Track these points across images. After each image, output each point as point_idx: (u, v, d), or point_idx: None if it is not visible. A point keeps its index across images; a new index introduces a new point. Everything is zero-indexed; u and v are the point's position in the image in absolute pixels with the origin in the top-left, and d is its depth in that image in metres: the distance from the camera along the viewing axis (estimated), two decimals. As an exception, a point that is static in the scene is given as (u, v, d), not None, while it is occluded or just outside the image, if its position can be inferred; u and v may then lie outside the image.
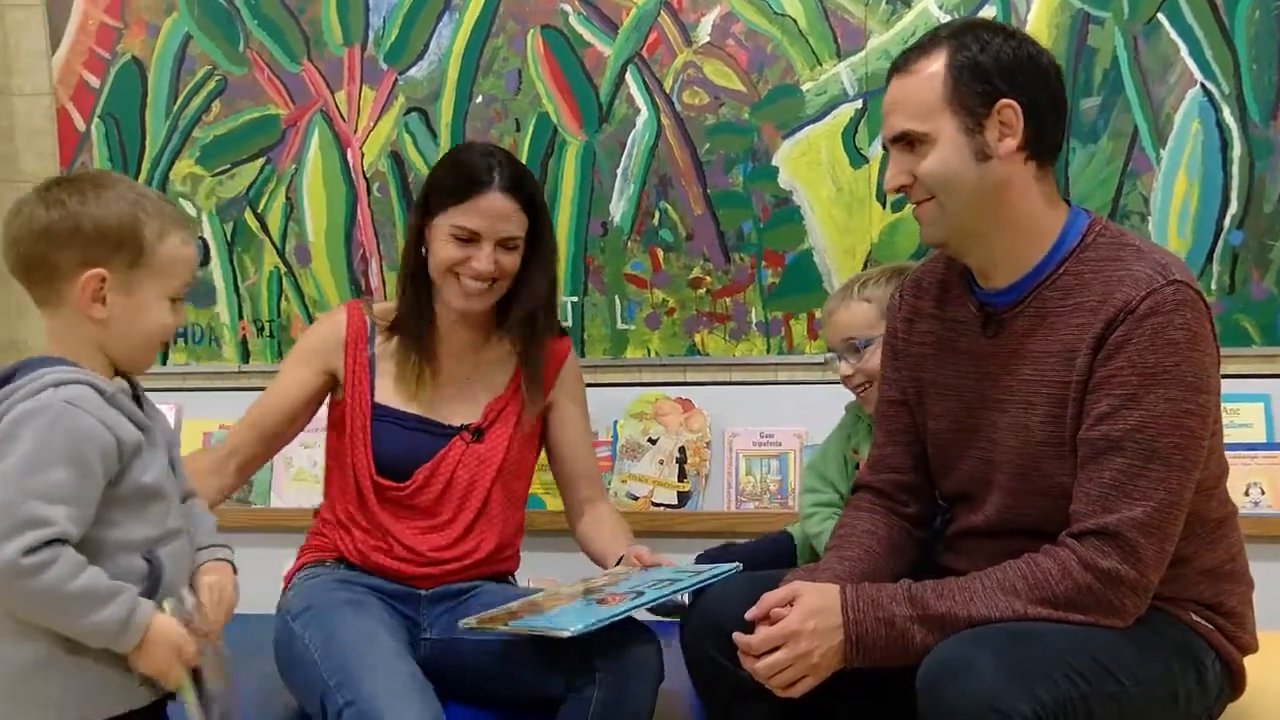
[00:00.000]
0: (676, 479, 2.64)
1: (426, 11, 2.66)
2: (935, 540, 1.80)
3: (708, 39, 2.58)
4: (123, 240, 1.44)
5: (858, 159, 2.55)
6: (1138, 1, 2.44)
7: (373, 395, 2.04)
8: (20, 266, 1.46)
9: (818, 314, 2.60)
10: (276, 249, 2.77)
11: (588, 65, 2.62)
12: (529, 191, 2.01)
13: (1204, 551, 1.58)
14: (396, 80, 2.69)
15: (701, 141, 2.60)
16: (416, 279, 2.02)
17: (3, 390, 1.43)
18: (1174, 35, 2.43)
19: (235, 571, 1.62)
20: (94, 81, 2.79)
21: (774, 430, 2.61)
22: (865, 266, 2.55)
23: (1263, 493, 2.41)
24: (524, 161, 2.62)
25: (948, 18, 2.48)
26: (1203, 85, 2.43)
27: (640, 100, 2.61)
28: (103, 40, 2.78)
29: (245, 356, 2.80)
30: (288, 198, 2.75)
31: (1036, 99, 1.56)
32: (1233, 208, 2.45)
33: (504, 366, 2.09)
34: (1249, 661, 1.62)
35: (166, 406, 2.41)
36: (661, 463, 2.64)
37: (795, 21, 2.55)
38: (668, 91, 2.60)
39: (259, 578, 2.04)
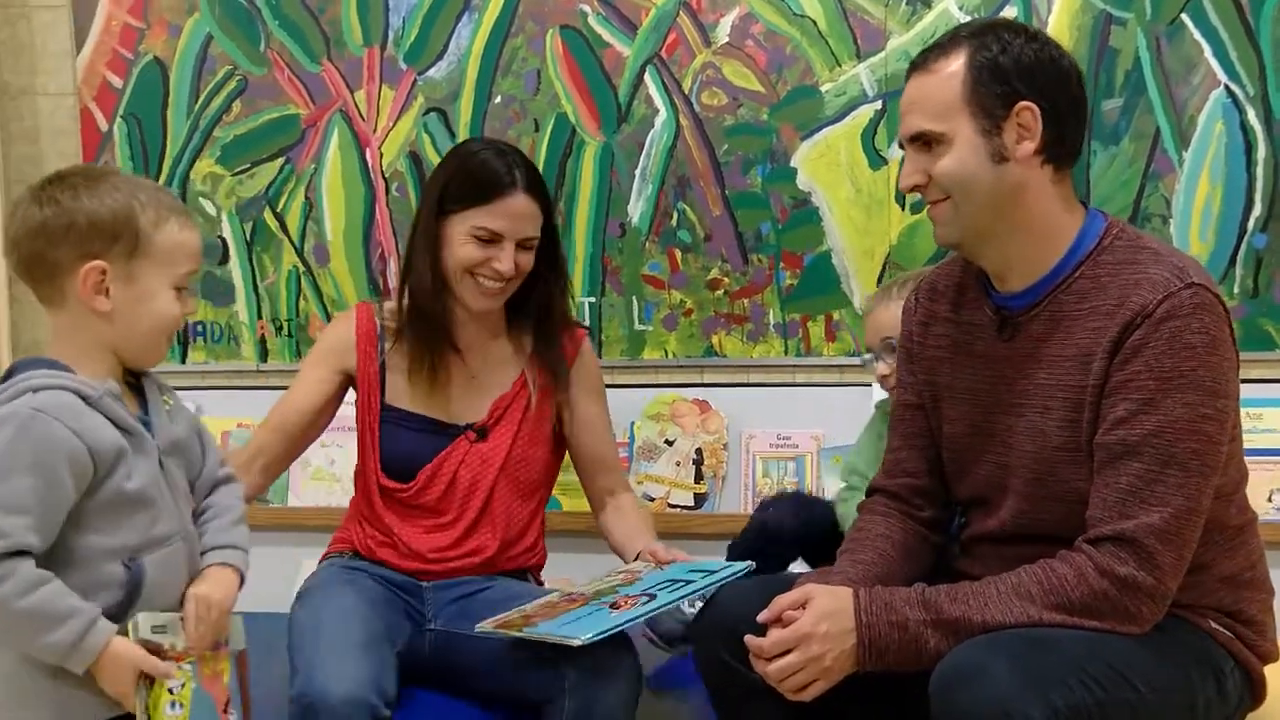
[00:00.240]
0: (693, 480, 2.63)
1: (446, 12, 2.67)
2: (951, 545, 1.79)
3: (727, 40, 2.57)
4: (118, 230, 1.44)
5: (877, 160, 2.53)
6: (1161, 2, 2.41)
7: (383, 396, 2.05)
8: (22, 266, 1.47)
9: (836, 316, 2.59)
10: (295, 248, 2.78)
11: (606, 66, 2.62)
12: (544, 190, 2.03)
13: (1223, 558, 1.56)
14: (416, 80, 2.70)
15: (720, 142, 2.60)
16: (433, 279, 2.01)
17: None
18: (1198, 36, 2.41)
19: (242, 576, 1.58)
20: (117, 82, 2.81)
21: (791, 432, 2.60)
22: (884, 268, 2.55)
23: (1287, 499, 2.39)
24: (542, 162, 2.65)
25: (968, 18, 2.46)
26: (1227, 87, 2.41)
27: (659, 101, 2.61)
28: (126, 41, 2.80)
29: (264, 355, 2.81)
30: (307, 197, 2.76)
31: (1056, 102, 1.54)
32: (1256, 210, 2.42)
33: (511, 364, 2.09)
34: (1269, 670, 1.60)
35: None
36: (678, 464, 2.64)
37: (815, 22, 2.54)
38: (686, 92, 2.59)
39: (275, 577, 2.06)
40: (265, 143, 2.77)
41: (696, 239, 2.62)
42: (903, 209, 2.53)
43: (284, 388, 2.14)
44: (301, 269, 2.78)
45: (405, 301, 2.05)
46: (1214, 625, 1.55)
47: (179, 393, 1.66)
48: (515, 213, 1.97)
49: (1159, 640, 1.47)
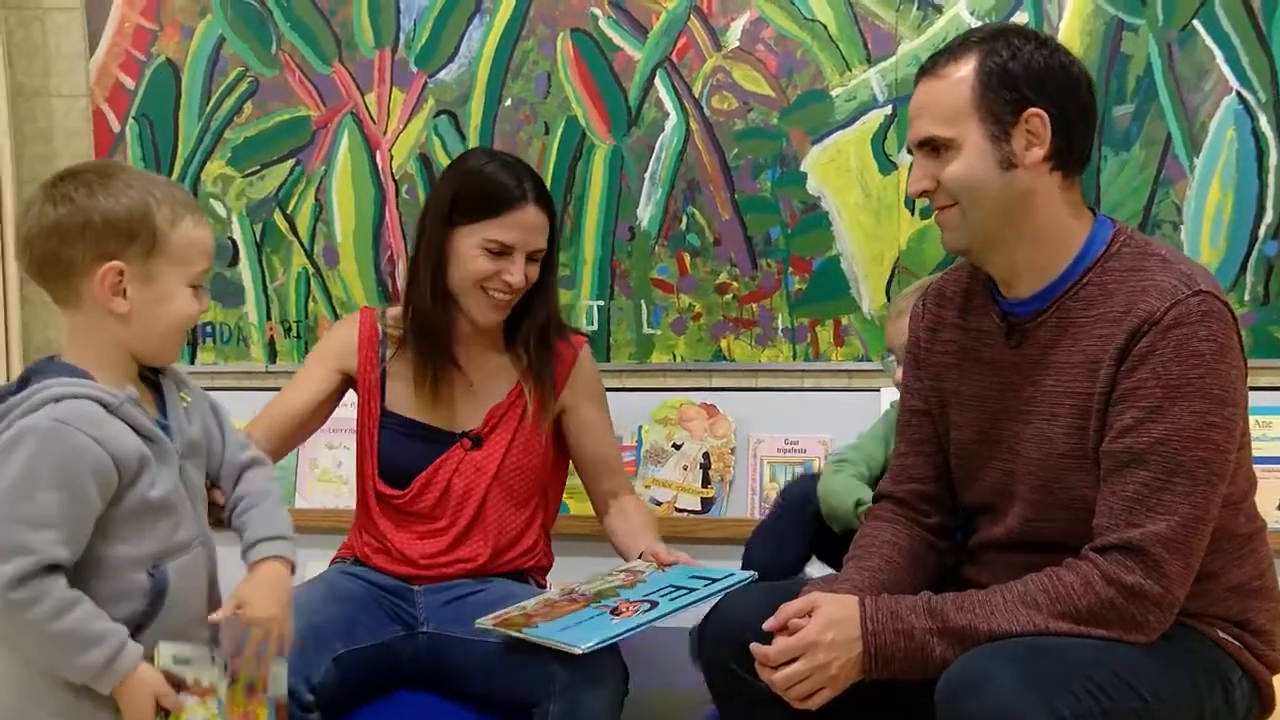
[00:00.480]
0: (700, 485, 2.63)
1: (457, 14, 2.67)
2: (958, 552, 1.78)
3: (737, 44, 2.57)
4: (135, 230, 1.41)
5: (887, 165, 2.53)
6: (1173, 8, 2.41)
7: (383, 403, 2.06)
8: (35, 266, 1.43)
9: (844, 321, 2.59)
10: (305, 250, 2.79)
11: (617, 69, 2.62)
12: (552, 202, 2.04)
13: (1231, 567, 1.55)
14: (426, 83, 2.70)
15: (730, 146, 2.60)
16: (436, 292, 2.00)
17: (9, 401, 1.40)
18: (1210, 42, 2.40)
19: (293, 566, 1.55)
20: (129, 83, 2.82)
21: (799, 437, 2.59)
22: (893, 274, 2.54)
23: (1296, 507, 2.37)
24: (552, 165, 2.65)
25: (980, 24, 2.46)
26: (1238, 93, 2.40)
27: (669, 104, 2.61)
28: (138, 42, 2.81)
29: (272, 357, 2.82)
30: (317, 199, 2.77)
31: (1066, 109, 1.53)
32: (1268, 217, 2.41)
33: (507, 373, 2.09)
34: (1278, 680, 1.59)
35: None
36: (685, 468, 2.64)
37: (825, 27, 2.53)
38: (697, 96, 2.59)
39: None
40: (276, 144, 2.77)
41: (706, 243, 2.62)
42: (912, 214, 2.52)
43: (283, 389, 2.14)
44: (311, 271, 2.79)
45: (409, 313, 2.04)
46: (1222, 634, 1.54)
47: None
48: (527, 225, 1.98)
49: (1166, 649, 1.46)
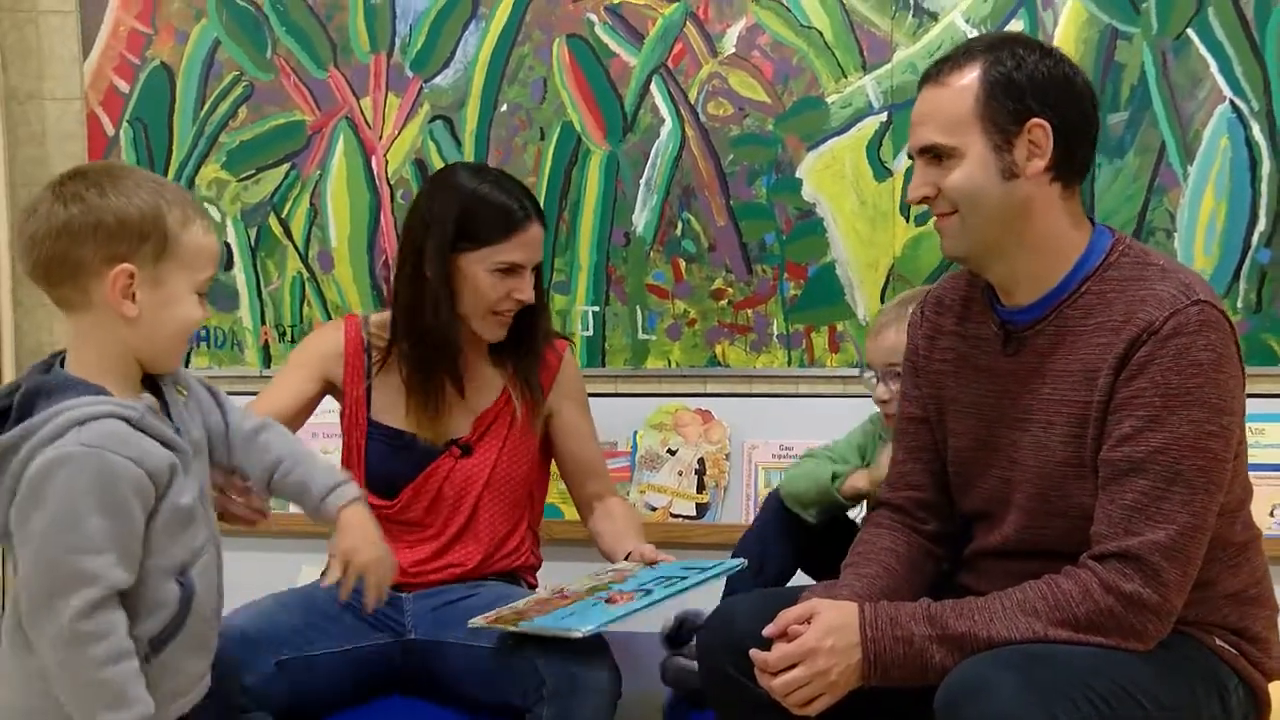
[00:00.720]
0: (695, 490, 2.63)
1: (453, 20, 2.67)
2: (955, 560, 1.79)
3: (733, 50, 2.58)
4: (147, 231, 1.38)
5: (882, 172, 2.54)
6: (1167, 17, 2.42)
7: (369, 413, 2.06)
8: (40, 268, 1.39)
9: (839, 327, 2.59)
10: (300, 254, 2.78)
11: (613, 75, 2.63)
12: (543, 212, 2.05)
13: (1228, 575, 1.56)
14: (422, 88, 2.70)
15: (725, 152, 2.60)
16: (452, 318, 1.99)
17: (24, 426, 1.36)
18: (1203, 51, 2.42)
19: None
20: (124, 87, 2.81)
21: (794, 443, 2.60)
22: (888, 280, 2.55)
23: (1288, 514, 2.39)
24: (548, 170, 2.66)
25: (974, 31, 2.47)
26: (1232, 102, 2.42)
27: (665, 110, 2.61)
28: (133, 46, 2.80)
29: (267, 361, 2.81)
30: (312, 204, 2.77)
31: (1068, 120, 1.54)
32: (1261, 225, 2.43)
33: (494, 380, 2.09)
34: (1274, 687, 1.60)
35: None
36: (680, 474, 2.64)
37: (821, 34, 2.54)
38: (692, 102, 2.60)
39: (274, 585, 2.06)
40: (271, 149, 2.77)
41: (701, 249, 2.63)
42: (907, 221, 2.53)
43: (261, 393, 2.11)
44: (306, 275, 2.78)
45: (409, 339, 2.01)
46: (1219, 642, 1.55)
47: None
48: (532, 242, 2.00)
49: (1164, 657, 1.47)
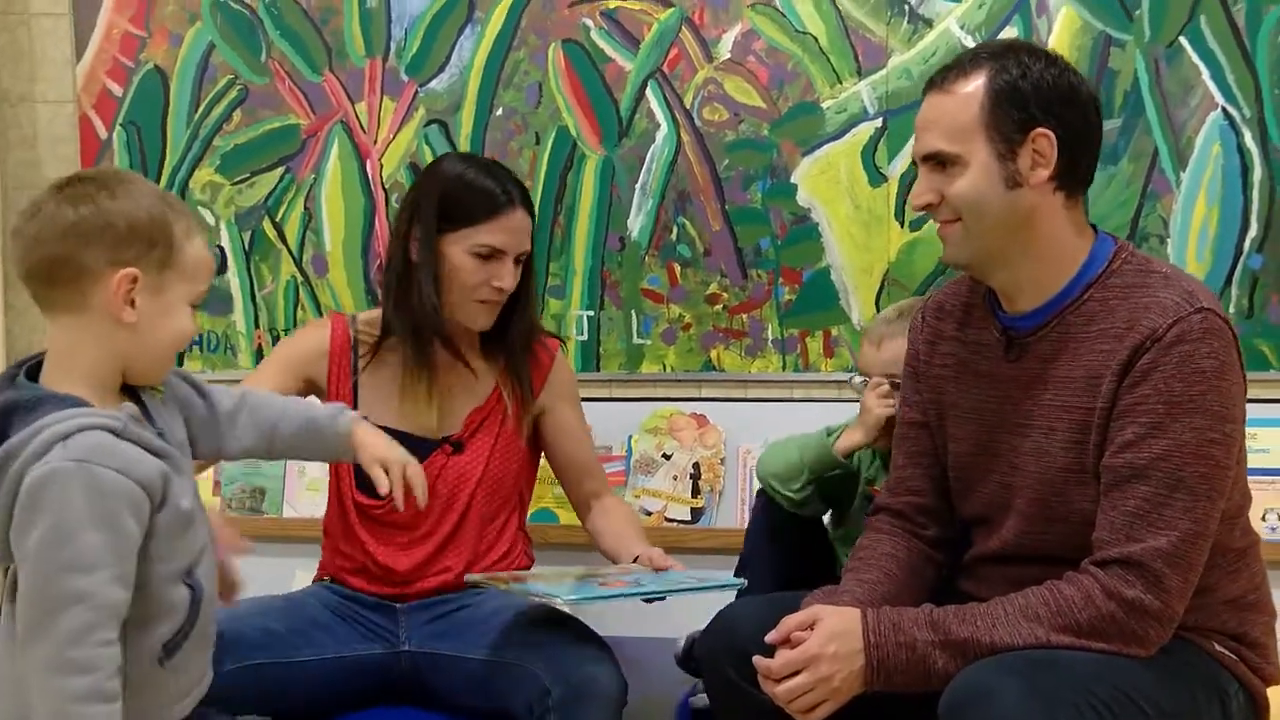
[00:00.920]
0: (690, 495, 2.63)
1: (448, 24, 2.67)
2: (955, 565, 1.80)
3: (729, 55, 2.58)
4: (155, 238, 1.37)
5: (877, 177, 2.55)
6: (1159, 24, 2.43)
7: (356, 409, 1.98)
8: (43, 268, 1.36)
9: (834, 332, 2.60)
10: (294, 258, 2.78)
11: (608, 79, 2.63)
12: (532, 204, 2.04)
13: (1227, 581, 1.57)
14: (417, 92, 2.70)
15: (721, 157, 2.60)
16: (440, 301, 1.98)
17: (6, 448, 1.33)
18: (1195, 58, 2.43)
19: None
20: (117, 90, 2.80)
21: (789, 447, 2.60)
22: (883, 285, 2.56)
23: (1280, 519, 2.41)
24: (543, 175, 2.66)
25: (969, 37, 2.48)
26: (1224, 109, 2.43)
27: (660, 115, 2.61)
28: (126, 49, 2.79)
29: (261, 365, 2.80)
30: (306, 207, 2.76)
31: (1072, 130, 1.54)
32: (1253, 231, 2.44)
33: (485, 376, 2.07)
34: (1272, 693, 1.61)
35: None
36: (675, 478, 2.64)
37: (816, 39, 2.55)
38: (688, 107, 2.60)
39: (270, 588, 2.05)
40: (265, 152, 2.76)
41: (696, 253, 2.63)
42: (902, 226, 2.54)
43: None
44: (300, 279, 2.78)
45: (403, 325, 2.00)
46: (1218, 648, 1.56)
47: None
48: (515, 228, 1.98)
49: (1165, 662, 1.48)
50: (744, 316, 2.63)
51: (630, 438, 2.66)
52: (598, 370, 2.68)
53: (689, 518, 2.62)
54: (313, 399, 1.67)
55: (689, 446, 2.65)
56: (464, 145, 2.68)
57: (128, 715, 1.35)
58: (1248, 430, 2.29)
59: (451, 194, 1.98)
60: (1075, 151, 1.55)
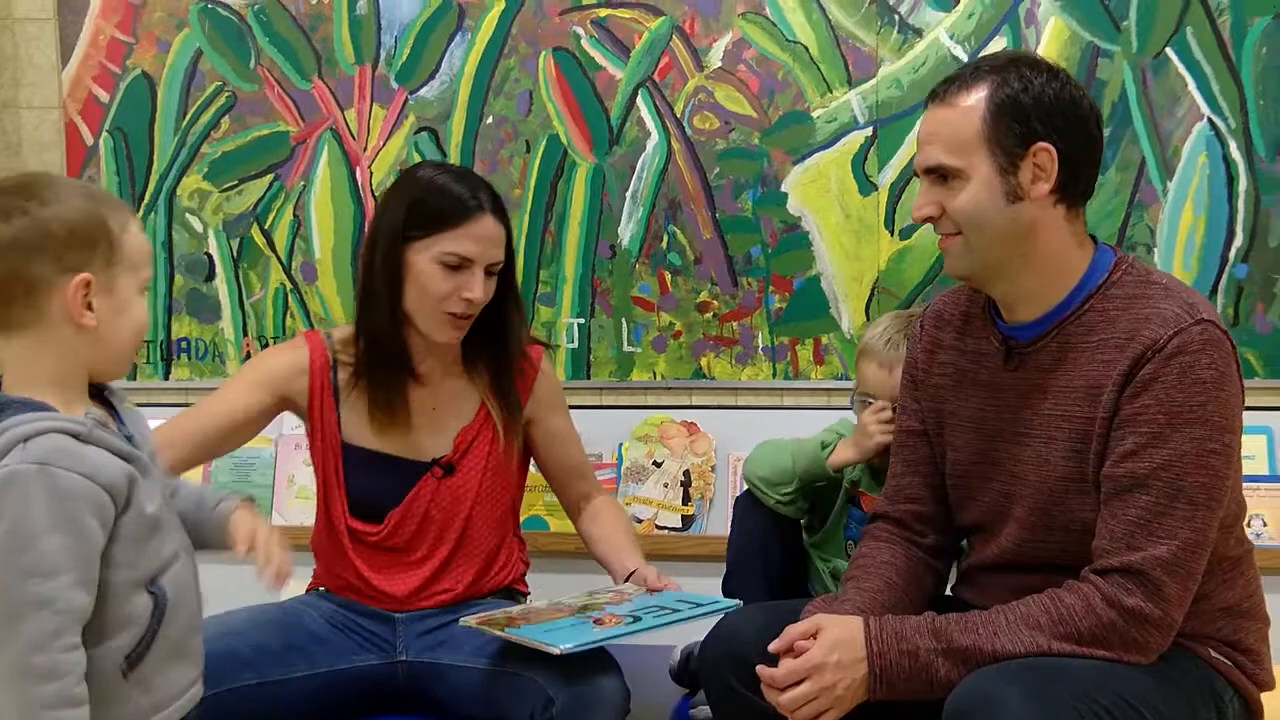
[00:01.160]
0: (680, 502, 2.64)
1: (439, 32, 2.67)
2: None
3: (719, 64, 2.59)
4: (95, 237, 1.33)
5: (867, 186, 2.56)
6: (1146, 36, 2.46)
7: (341, 434, 1.97)
8: None
9: (824, 340, 2.61)
10: (283, 266, 2.77)
11: (599, 88, 2.63)
12: (507, 213, 1.96)
13: (1222, 589, 1.58)
14: (407, 100, 2.69)
15: (711, 166, 2.61)
16: (394, 312, 1.91)
17: None
18: (1182, 70, 2.46)
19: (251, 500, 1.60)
20: (103, 96, 2.78)
21: (780, 455, 2.61)
22: (872, 294, 2.57)
23: (1265, 525, 2.43)
24: (534, 182, 2.65)
25: (959, 47, 2.50)
26: (1210, 119, 2.46)
27: (651, 124, 2.62)
28: (113, 55, 2.77)
29: (249, 373, 2.79)
30: (295, 215, 2.75)
31: (1073, 144, 1.55)
32: (1238, 241, 2.47)
33: (470, 394, 2.01)
34: (1266, 698, 1.63)
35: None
36: (666, 486, 2.65)
37: (807, 49, 2.56)
38: (678, 116, 2.61)
39: (259, 598, 2.03)
40: (254, 159, 2.75)
41: (686, 262, 2.64)
42: (892, 235, 2.55)
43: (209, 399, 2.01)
44: (289, 286, 2.77)
45: (362, 338, 1.94)
46: (1214, 654, 1.57)
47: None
48: (484, 236, 1.89)
49: (1164, 670, 1.49)
50: (734, 324, 2.64)
51: (621, 445, 2.66)
52: (588, 378, 2.68)
53: (679, 525, 2.63)
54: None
55: (679, 454, 2.65)
56: (454, 153, 2.68)
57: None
58: (1236, 438, 2.35)
59: (418, 200, 1.89)
60: (1076, 165, 1.56)
